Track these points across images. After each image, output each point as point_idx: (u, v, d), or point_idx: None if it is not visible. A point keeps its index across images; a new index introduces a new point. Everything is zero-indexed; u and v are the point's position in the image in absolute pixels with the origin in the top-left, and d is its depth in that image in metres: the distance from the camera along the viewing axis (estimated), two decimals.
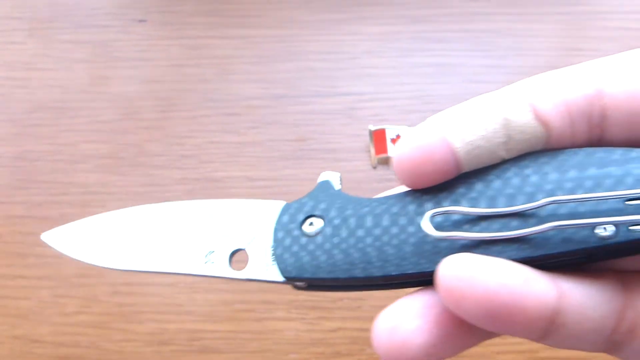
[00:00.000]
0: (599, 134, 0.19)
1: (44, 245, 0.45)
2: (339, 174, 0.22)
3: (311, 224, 0.21)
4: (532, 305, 0.16)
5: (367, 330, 0.42)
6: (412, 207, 0.19)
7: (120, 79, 0.53)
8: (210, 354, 0.42)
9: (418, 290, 0.19)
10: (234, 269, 0.22)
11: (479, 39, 0.52)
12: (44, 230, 0.46)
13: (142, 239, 0.23)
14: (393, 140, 0.47)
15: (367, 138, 0.48)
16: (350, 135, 0.49)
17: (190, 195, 0.47)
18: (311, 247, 0.20)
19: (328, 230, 0.20)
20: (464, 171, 0.19)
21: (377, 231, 0.20)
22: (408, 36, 0.53)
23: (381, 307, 0.47)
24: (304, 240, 0.20)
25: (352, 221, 0.20)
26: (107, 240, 0.24)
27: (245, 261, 0.22)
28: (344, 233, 0.20)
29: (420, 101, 0.49)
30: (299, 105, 0.50)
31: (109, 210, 0.48)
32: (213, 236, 0.23)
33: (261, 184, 0.47)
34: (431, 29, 0.53)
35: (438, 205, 0.19)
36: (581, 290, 0.17)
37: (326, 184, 0.22)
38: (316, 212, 0.21)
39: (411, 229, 0.19)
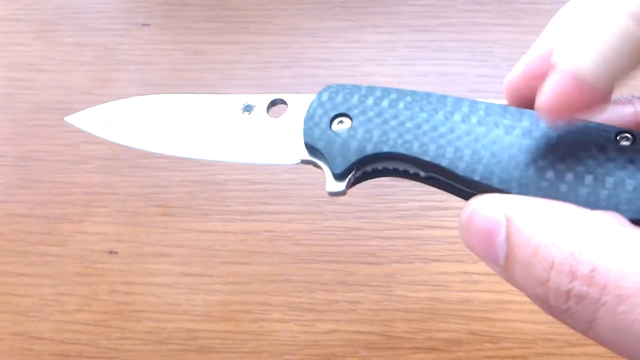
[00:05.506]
0: None
1: (45, 243, 0.46)
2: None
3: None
4: None
5: (362, 332, 0.43)
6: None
7: (123, 82, 0.53)
8: (206, 354, 0.42)
9: None
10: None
11: (477, 49, 0.53)
12: (46, 230, 0.47)
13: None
14: None
15: None
16: None
17: (191, 196, 0.48)
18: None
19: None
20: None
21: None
22: (407, 45, 0.53)
23: (376, 310, 0.47)
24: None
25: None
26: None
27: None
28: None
29: None
30: None
31: (110, 211, 0.48)
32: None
33: (260, 187, 0.48)
34: (430, 38, 0.53)
35: None
36: None
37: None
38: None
39: None
